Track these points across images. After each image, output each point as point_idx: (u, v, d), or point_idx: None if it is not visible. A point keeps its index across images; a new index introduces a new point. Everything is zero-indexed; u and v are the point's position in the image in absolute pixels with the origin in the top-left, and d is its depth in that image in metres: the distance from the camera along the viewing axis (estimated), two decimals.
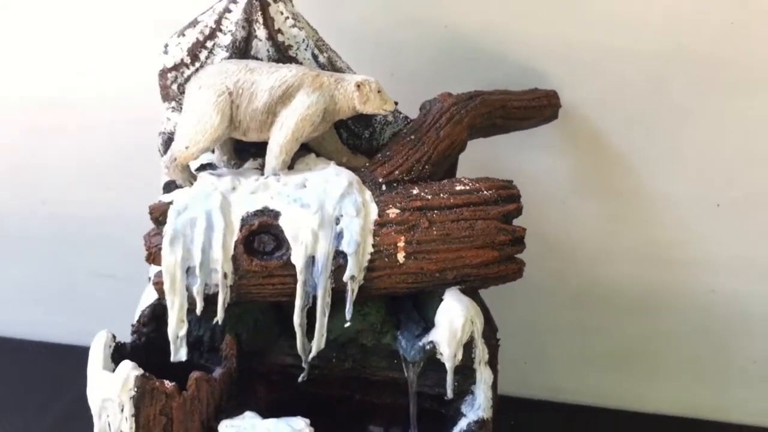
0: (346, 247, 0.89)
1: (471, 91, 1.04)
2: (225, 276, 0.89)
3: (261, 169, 0.99)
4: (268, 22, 0.97)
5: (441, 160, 0.98)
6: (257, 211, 0.91)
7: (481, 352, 0.94)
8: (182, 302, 0.90)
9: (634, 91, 1.16)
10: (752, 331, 1.28)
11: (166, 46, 1.01)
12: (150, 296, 1.03)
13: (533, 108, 1.08)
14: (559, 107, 1.11)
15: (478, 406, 0.95)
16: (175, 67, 1.00)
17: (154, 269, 1.07)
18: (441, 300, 0.93)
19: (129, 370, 0.86)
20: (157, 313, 0.96)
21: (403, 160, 0.96)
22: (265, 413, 0.90)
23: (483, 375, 0.95)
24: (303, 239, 0.88)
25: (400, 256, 0.90)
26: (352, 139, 1.03)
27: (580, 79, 1.14)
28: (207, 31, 0.99)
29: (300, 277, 0.89)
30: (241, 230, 0.89)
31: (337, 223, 0.90)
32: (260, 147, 0.99)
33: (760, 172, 1.18)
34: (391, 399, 1.01)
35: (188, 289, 0.90)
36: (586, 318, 1.31)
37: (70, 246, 1.36)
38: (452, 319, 0.91)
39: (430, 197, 0.91)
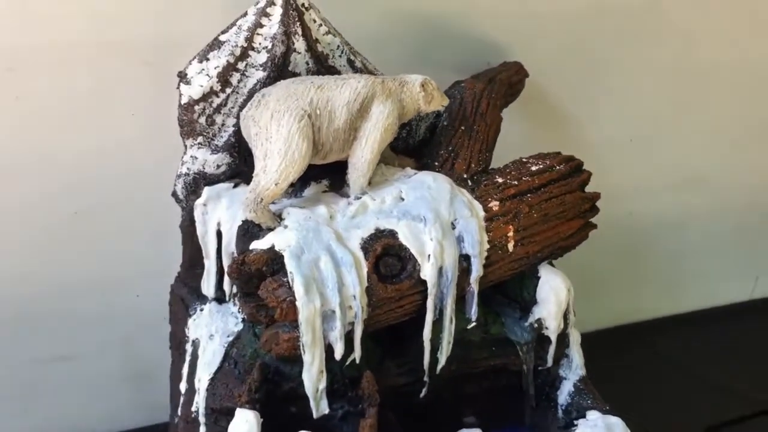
0: (469, 249, 0.87)
1: (480, 72, 1.07)
2: (362, 310, 0.82)
3: (331, 190, 0.92)
4: (306, 32, 0.89)
5: (493, 145, 0.99)
6: (371, 235, 0.85)
7: (573, 316, 0.99)
8: (322, 352, 0.82)
9: (568, 51, 1.26)
10: (663, 238, 1.50)
11: (185, 75, 0.88)
12: (212, 359, 0.91)
13: (521, 81, 1.13)
14: (527, 76, 1.18)
15: (576, 366, 1.00)
16: (204, 98, 0.88)
17: (197, 328, 0.96)
18: (536, 277, 0.96)
19: None
20: (265, 374, 0.86)
21: (470, 152, 0.96)
22: None
23: (575, 337, 1.01)
24: (431, 252, 0.85)
25: (510, 246, 0.91)
26: None
27: (528, 46, 1.22)
28: (238, 52, 0.87)
29: (432, 291, 0.86)
30: (367, 258, 0.83)
31: (453, 228, 0.88)
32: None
33: (664, 108, 1.37)
34: (476, 388, 1.02)
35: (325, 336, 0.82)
36: None
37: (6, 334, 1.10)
38: (557, 293, 0.95)
39: (517, 183, 0.93)
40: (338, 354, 0.82)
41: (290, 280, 0.80)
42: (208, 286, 0.94)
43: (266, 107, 0.83)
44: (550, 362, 0.99)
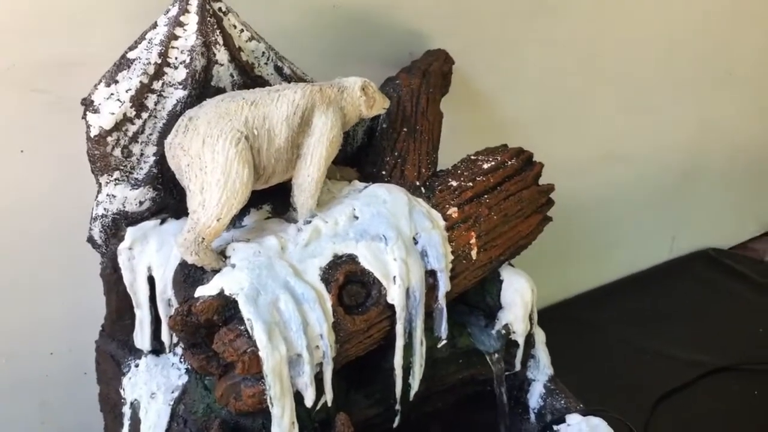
0: (434, 264, 0.80)
1: (410, 65, 0.99)
2: (331, 348, 0.74)
3: (274, 215, 0.82)
4: (227, 40, 0.78)
5: (438, 144, 0.92)
6: (330, 262, 0.76)
7: (535, 314, 0.95)
8: (292, 402, 0.73)
9: (485, 33, 1.20)
10: (585, 212, 1.48)
11: (92, 102, 0.75)
12: (158, 421, 0.81)
13: (450, 70, 1.06)
14: (453, 64, 1.11)
15: (543, 366, 0.96)
16: (117, 126, 0.76)
17: (134, 387, 0.84)
18: (499, 281, 0.90)
19: None
20: None
21: (417, 155, 0.88)
22: None
23: (539, 336, 0.96)
24: (396, 274, 0.77)
25: (474, 253, 0.84)
26: None
27: (447, 33, 1.14)
28: (152, 70, 0.75)
29: (402, 315, 0.78)
30: (329, 291, 0.74)
31: (415, 243, 0.80)
32: None
33: (583, 84, 1.34)
34: (442, 404, 0.96)
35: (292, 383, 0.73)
36: None
37: None
38: (522, 294, 0.90)
39: (472, 185, 0.86)
40: (309, 401, 0.74)
41: (249, 328, 0.70)
42: (142, 339, 0.83)
43: (196, 132, 0.72)
44: (518, 366, 0.94)
